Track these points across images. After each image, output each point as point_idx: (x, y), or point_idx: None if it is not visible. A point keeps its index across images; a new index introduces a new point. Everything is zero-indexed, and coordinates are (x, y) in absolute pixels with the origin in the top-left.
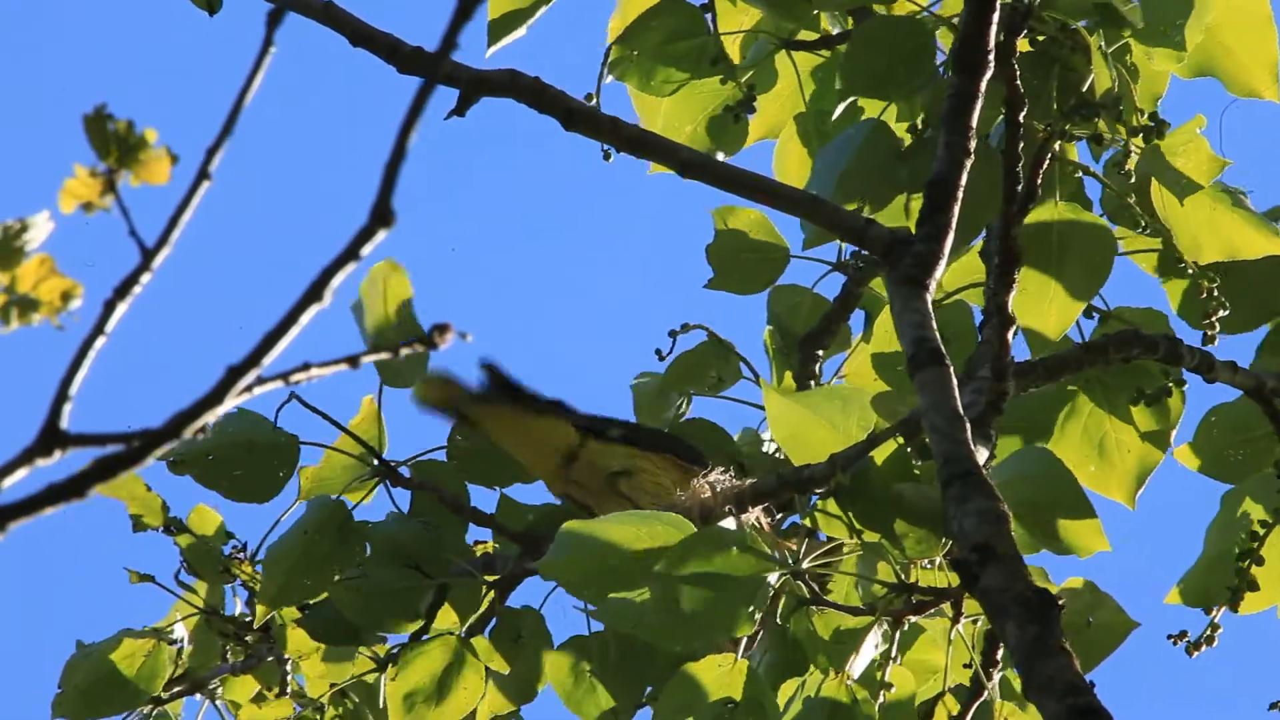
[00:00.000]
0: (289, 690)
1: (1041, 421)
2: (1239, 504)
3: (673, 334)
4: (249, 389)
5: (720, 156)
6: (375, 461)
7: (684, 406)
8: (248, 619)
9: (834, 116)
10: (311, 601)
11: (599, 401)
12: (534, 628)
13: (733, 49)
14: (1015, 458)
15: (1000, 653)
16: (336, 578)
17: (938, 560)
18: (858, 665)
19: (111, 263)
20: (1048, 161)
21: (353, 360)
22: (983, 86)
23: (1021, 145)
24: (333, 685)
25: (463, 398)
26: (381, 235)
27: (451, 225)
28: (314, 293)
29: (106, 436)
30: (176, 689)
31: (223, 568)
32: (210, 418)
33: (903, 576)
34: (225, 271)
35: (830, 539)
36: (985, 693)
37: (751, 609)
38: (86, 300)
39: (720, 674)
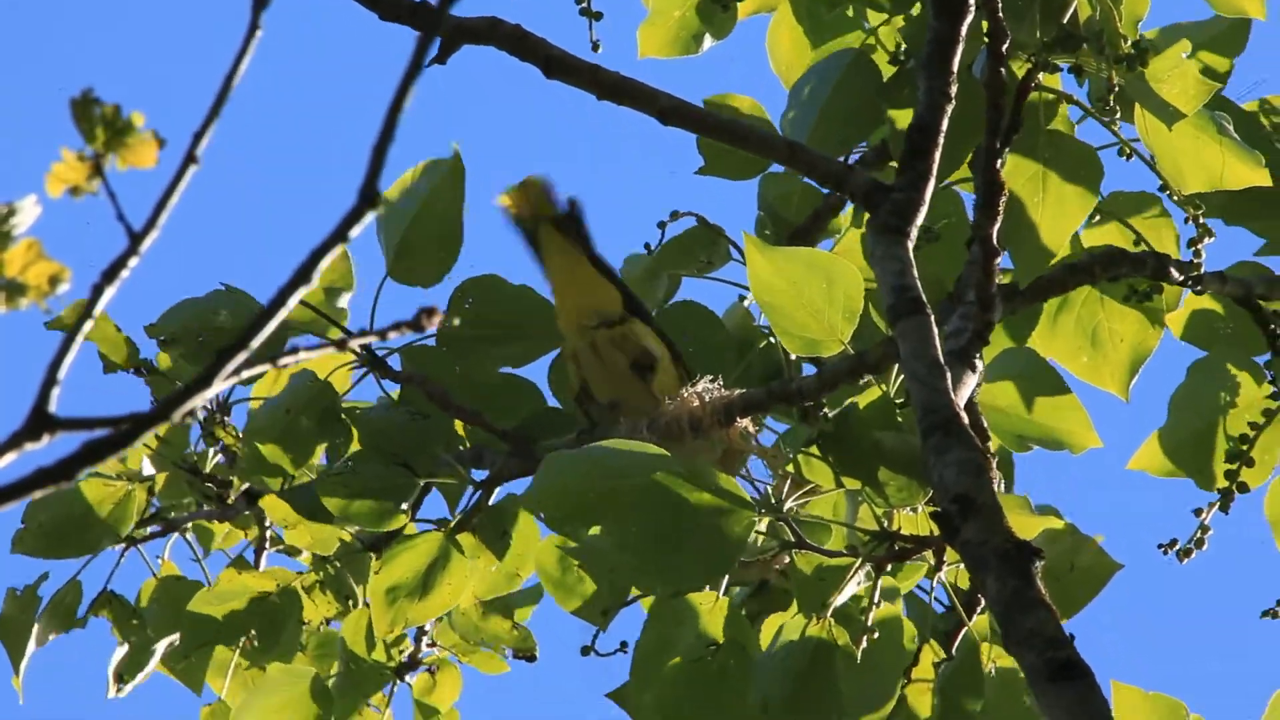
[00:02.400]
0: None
1: (1029, 314)
2: (1211, 374)
3: (661, 224)
4: (238, 371)
5: (709, 42)
6: (364, 352)
7: (672, 290)
8: (225, 479)
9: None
10: (294, 481)
11: None
12: (521, 518)
13: None
14: (1002, 358)
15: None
16: (320, 463)
17: (920, 507)
18: (839, 601)
19: (99, 246)
20: (1031, 91)
21: (340, 343)
22: (964, 31)
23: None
24: (316, 556)
25: (545, 215)
26: (370, 217)
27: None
28: (302, 275)
29: (95, 420)
30: (149, 530)
31: (203, 430)
32: (199, 401)
33: (885, 524)
34: (213, 254)
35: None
36: (965, 629)
37: (731, 555)
38: (74, 284)
39: (701, 612)
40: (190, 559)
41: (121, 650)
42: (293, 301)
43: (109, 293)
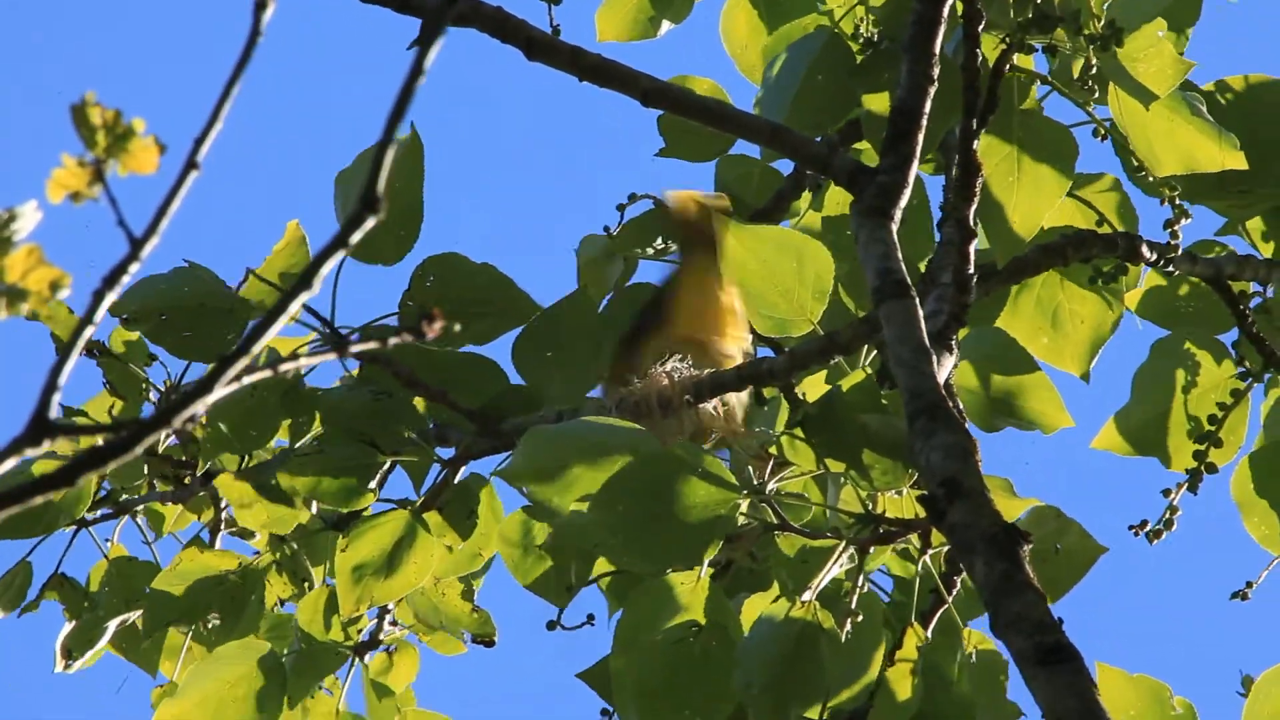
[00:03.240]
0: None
1: (996, 294)
2: (1174, 353)
3: (620, 207)
4: (239, 377)
5: (666, 25)
6: (326, 330)
7: (629, 272)
8: (182, 459)
9: None
10: (253, 461)
11: (546, 269)
12: (486, 498)
13: None
14: (972, 338)
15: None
16: (276, 445)
17: (904, 490)
18: (821, 583)
19: (100, 252)
20: (1005, 72)
21: (340, 349)
22: (945, 12)
23: (979, 58)
24: (273, 536)
25: (712, 228)
26: (371, 223)
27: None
28: (303, 281)
29: (95, 427)
30: (99, 512)
31: (156, 409)
32: (200, 407)
33: (869, 507)
34: (214, 260)
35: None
36: (945, 605)
37: (716, 535)
38: (75, 290)
39: (682, 592)
40: (140, 542)
41: (70, 625)
42: (294, 307)
43: (110, 298)
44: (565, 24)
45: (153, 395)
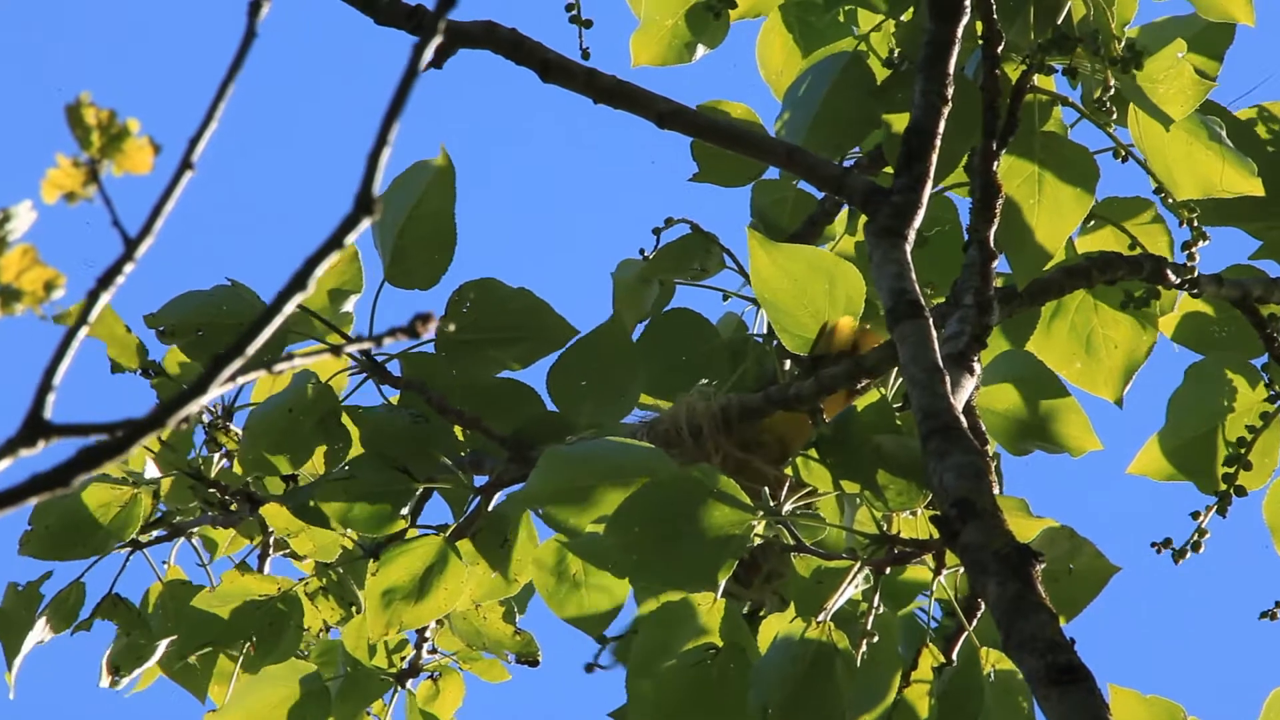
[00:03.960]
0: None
1: (1027, 317)
2: (1210, 378)
3: (656, 231)
4: (233, 378)
5: (701, 50)
6: (363, 357)
7: (665, 297)
8: (228, 485)
9: (824, 14)
10: (295, 481)
11: (583, 293)
12: (521, 525)
13: None
14: (1000, 361)
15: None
16: (318, 463)
17: (919, 511)
18: (836, 604)
19: (95, 252)
20: (1026, 93)
21: (336, 348)
22: (959, 33)
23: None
24: (318, 562)
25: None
26: (365, 223)
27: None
28: (298, 282)
29: (90, 426)
30: (154, 534)
31: (207, 435)
32: (195, 408)
33: (884, 527)
34: (209, 261)
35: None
36: (966, 632)
37: (731, 556)
38: (70, 290)
39: (699, 613)
40: (196, 564)
41: (120, 642)
42: (289, 307)
43: (105, 298)
44: (598, 49)
45: (205, 417)
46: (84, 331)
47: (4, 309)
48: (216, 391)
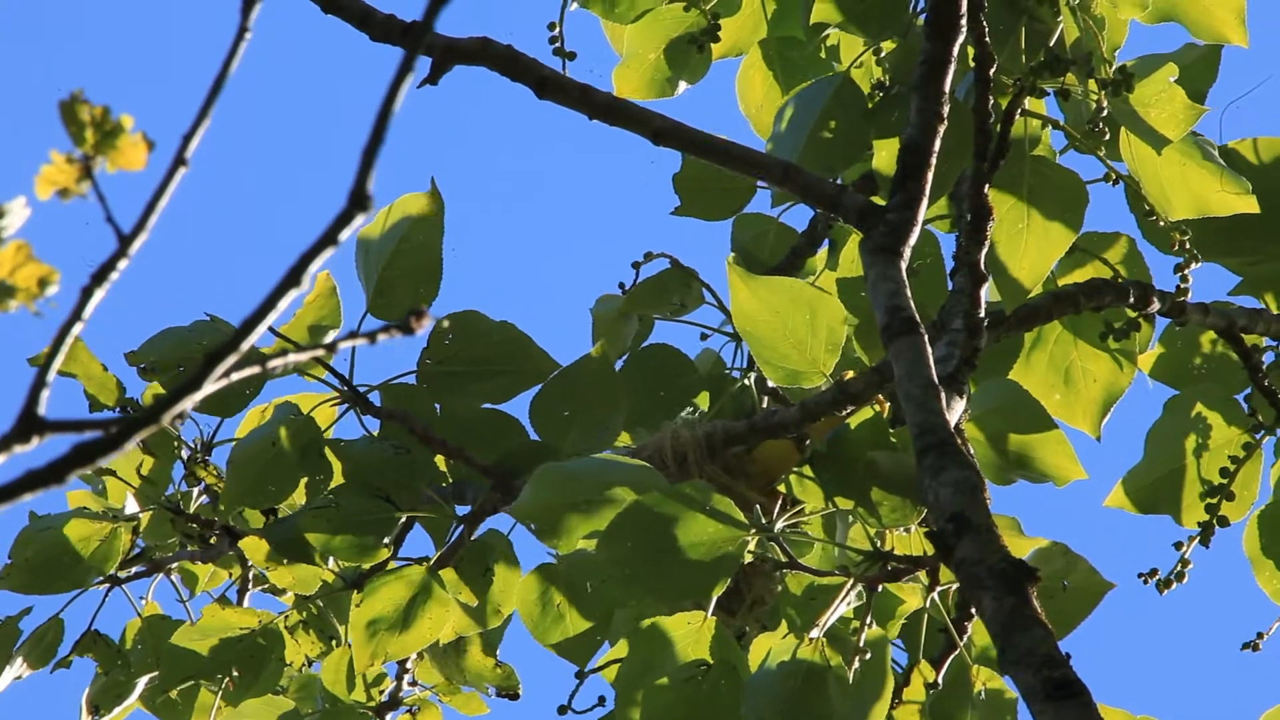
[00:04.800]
0: (250, 588)
1: (1008, 345)
2: (1188, 410)
3: (636, 265)
4: (227, 374)
5: (683, 85)
6: (345, 388)
7: (644, 332)
8: (203, 518)
9: (805, 49)
10: (275, 515)
11: (562, 327)
12: (503, 554)
13: None
14: (985, 390)
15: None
16: (299, 497)
17: (913, 528)
18: (828, 620)
19: (89, 249)
20: (1017, 116)
21: (330, 347)
22: (954, 51)
23: (990, 101)
24: (298, 596)
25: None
26: (359, 220)
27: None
28: (292, 278)
29: (84, 423)
30: (133, 569)
31: (186, 470)
32: (188, 404)
33: (878, 544)
34: (202, 257)
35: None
36: (958, 649)
37: (724, 573)
38: (64, 286)
39: (689, 631)
40: (175, 600)
41: (99, 681)
42: (283, 304)
43: (99, 294)
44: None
45: (184, 453)
46: (78, 328)
47: None
48: (210, 388)
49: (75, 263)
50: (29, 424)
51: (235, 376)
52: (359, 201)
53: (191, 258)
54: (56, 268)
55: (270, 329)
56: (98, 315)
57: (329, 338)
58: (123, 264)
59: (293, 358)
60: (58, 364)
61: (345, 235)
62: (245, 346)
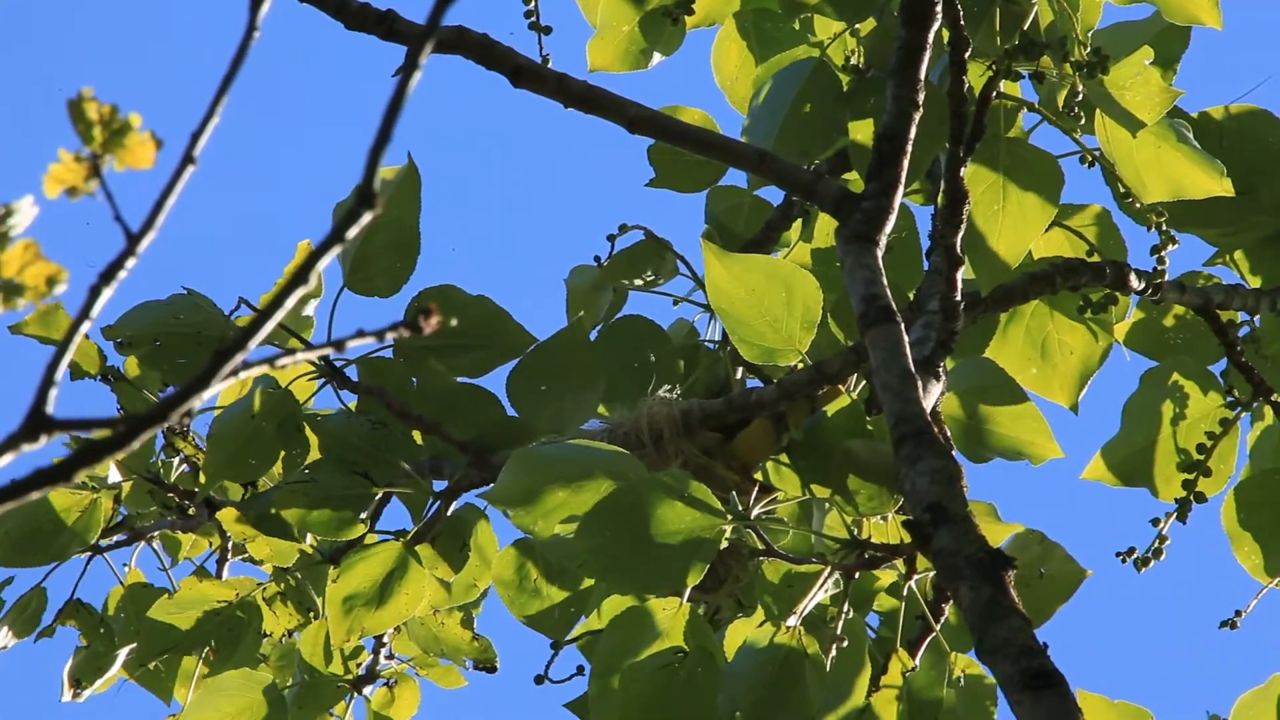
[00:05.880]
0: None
1: (984, 323)
2: (1163, 384)
3: (610, 237)
4: (235, 373)
5: (657, 57)
6: (322, 362)
7: (619, 303)
8: (188, 489)
9: (780, 22)
10: (255, 488)
11: (536, 299)
12: (480, 530)
13: None
14: (961, 369)
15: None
16: (279, 469)
17: (890, 516)
18: (806, 608)
19: (97, 247)
20: (993, 99)
21: (338, 344)
22: (930, 38)
23: (966, 84)
24: (276, 567)
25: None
26: (367, 218)
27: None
28: (300, 276)
29: (92, 422)
30: (115, 538)
31: (165, 440)
32: (196, 402)
33: (855, 532)
34: (210, 255)
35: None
36: (933, 634)
37: (701, 560)
38: (72, 285)
39: (665, 618)
40: (157, 568)
41: (80, 655)
42: (290, 302)
43: (106, 293)
44: (556, 54)
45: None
46: (86, 325)
47: (6, 304)
48: (219, 386)
49: (86, 264)
50: (37, 422)
51: (243, 375)
52: (366, 200)
53: (199, 256)
54: (65, 266)
55: (244, 300)
56: (105, 315)
57: (309, 308)
58: (131, 262)
59: (301, 356)
60: (65, 363)
61: (352, 233)
62: (253, 344)
